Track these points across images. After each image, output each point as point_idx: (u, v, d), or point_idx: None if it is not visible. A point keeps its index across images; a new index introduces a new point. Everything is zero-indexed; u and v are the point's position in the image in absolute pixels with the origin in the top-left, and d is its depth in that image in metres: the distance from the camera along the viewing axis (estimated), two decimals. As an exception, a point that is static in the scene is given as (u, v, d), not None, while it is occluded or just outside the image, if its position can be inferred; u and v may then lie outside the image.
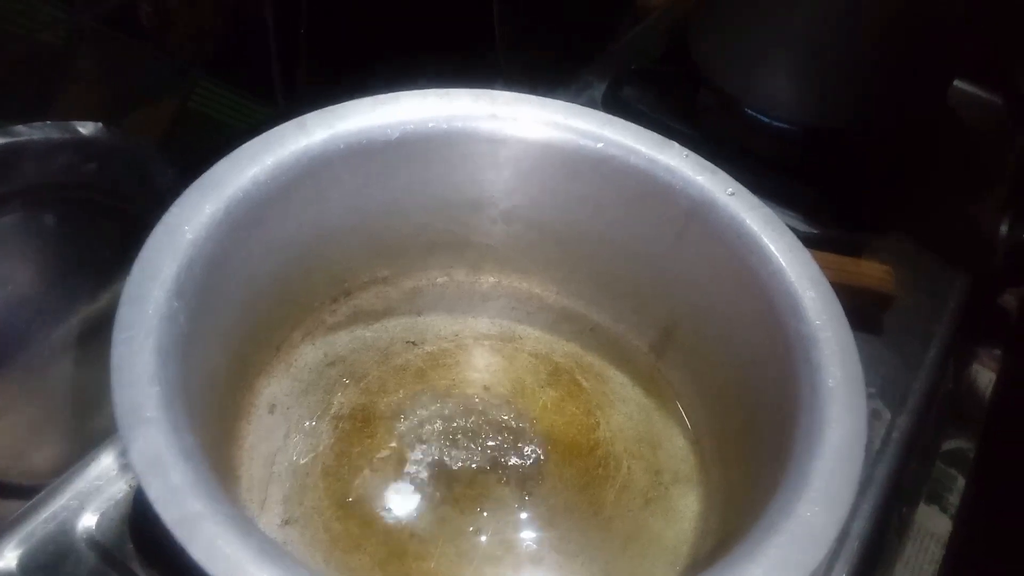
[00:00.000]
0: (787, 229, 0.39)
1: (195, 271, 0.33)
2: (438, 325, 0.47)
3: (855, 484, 0.30)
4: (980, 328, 0.68)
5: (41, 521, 0.40)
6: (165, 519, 0.26)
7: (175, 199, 0.35)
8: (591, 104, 0.43)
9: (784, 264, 0.37)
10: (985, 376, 0.70)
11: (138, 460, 0.27)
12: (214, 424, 0.35)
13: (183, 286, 0.32)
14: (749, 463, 0.37)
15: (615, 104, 0.66)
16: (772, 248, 0.38)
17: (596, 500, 0.40)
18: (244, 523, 0.26)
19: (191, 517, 0.26)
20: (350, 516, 0.38)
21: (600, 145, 0.42)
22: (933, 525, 0.59)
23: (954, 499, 0.61)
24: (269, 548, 0.26)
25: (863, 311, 0.54)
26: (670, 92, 0.67)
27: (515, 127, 0.42)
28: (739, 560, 0.28)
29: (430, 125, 0.41)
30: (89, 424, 0.50)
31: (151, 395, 0.29)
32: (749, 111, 0.66)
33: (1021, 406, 0.69)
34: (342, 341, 0.45)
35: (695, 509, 0.40)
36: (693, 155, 0.41)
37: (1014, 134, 0.74)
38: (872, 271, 0.55)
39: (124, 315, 0.31)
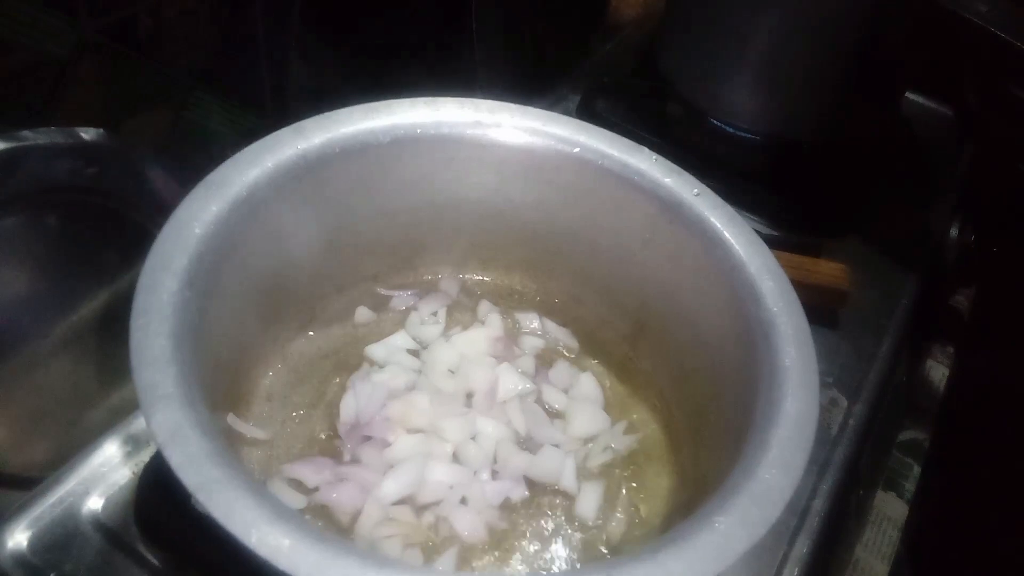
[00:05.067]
0: (747, 226, 0.42)
1: (204, 264, 0.36)
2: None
3: (808, 450, 0.33)
4: (933, 325, 0.72)
5: (49, 505, 0.42)
6: (187, 484, 0.28)
7: (172, 202, 0.38)
8: (566, 115, 0.46)
9: (745, 257, 0.41)
10: (939, 371, 0.74)
11: (159, 432, 0.29)
12: (219, 409, 0.38)
13: (194, 277, 0.35)
14: (716, 439, 0.40)
15: (588, 116, 0.69)
16: (734, 243, 0.41)
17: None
18: (258, 488, 0.29)
19: (210, 482, 0.28)
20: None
21: (576, 150, 0.45)
22: (891, 510, 0.63)
23: (910, 486, 0.65)
24: (282, 510, 0.29)
25: (821, 307, 0.58)
26: (640, 104, 0.71)
27: (498, 133, 0.45)
28: (706, 515, 0.31)
29: (419, 131, 0.44)
30: (87, 418, 0.52)
31: (169, 374, 0.31)
32: (714, 122, 0.70)
33: (972, 400, 0.73)
34: (335, 335, 0.47)
35: (667, 485, 0.43)
36: (661, 159, 0.44)
37: (963, 143, 0.79)
38: (829, 270, 0.59)
39: (140, 303, 0.33)
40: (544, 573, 0.38)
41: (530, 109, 0.46)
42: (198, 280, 0.35)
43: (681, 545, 0.30)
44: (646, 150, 0.45)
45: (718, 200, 0.43)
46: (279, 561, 0.27)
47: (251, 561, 0.33)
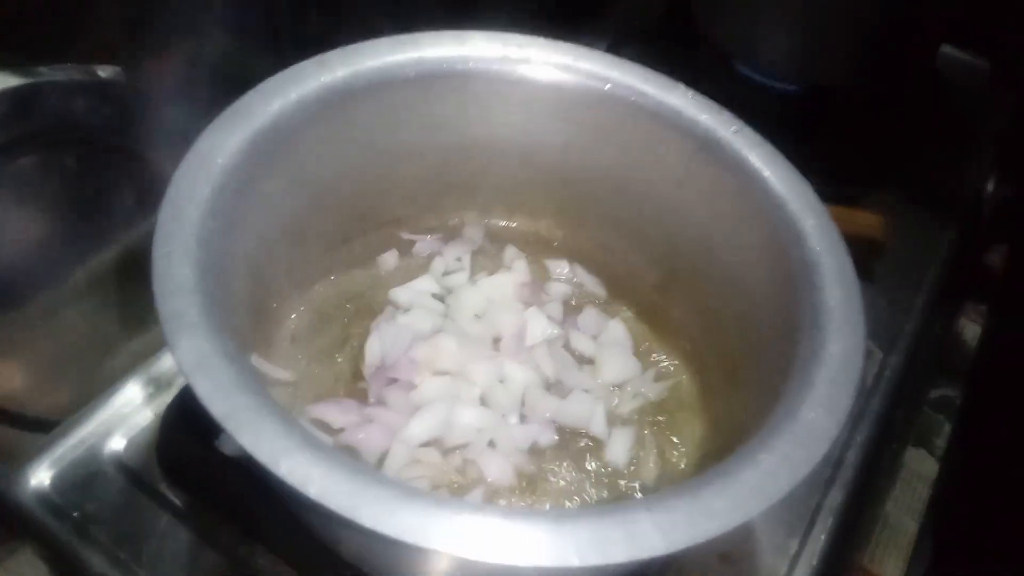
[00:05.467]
0: (789, 163, 0.40)
1: (227, 195, 0.35)
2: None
3: (854, 390, 0.32)
4: (967, 281, 0.70)
5: (71, 446, 0.42)
6: (214, 412, 0.27)
7: (188, 143, 0.36)
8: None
9: (785, 196, 0.39)
10: (971, 330, 0.73)
11: (185, 360, 0.28)
12: (243, 349, 0.37)
13: (217, 208, 0.34)
14: (750, 384, 0.39)
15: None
16: (774, 181, 0.40)
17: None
18: (285, 416, 0.28)
19: (239, 410, 0.27)
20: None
21: (608, 87, 0.43)
22: (921, 467, 0.62)
23: (941, 443, 0.63)
24: (310, 439, 0.28)
25: (856, 258, 0.56)
26: (670, 52, 0.69)
27: (526, 68, 0.43)
28: (748, 454, 0.30)
29: (444, 66, 0.42)
30: (108, 362, 0.51)
31: (193, 303, 0.30)
32: (747, 70, 0.68)
33: (1004, 359, 0.71)
34: (358, 279, 0.46)
35: (700, 432, 0.42)
36: (698, 95, 0.43)
37: (999, 97, 0.77)
38: (865, 219, 0.57)
39: (163, 231, 0.32)
40: (583, 506, 0.37)
41: (560, 43, 0.44)
42: (221, 212, 0.34)
43: (723, 483, 0.29)
44: (682, 86, 0.43)
45: (758, 137, 0.41)
46: (309, 490, 0.26)
47: (274, 499, 0.32)
